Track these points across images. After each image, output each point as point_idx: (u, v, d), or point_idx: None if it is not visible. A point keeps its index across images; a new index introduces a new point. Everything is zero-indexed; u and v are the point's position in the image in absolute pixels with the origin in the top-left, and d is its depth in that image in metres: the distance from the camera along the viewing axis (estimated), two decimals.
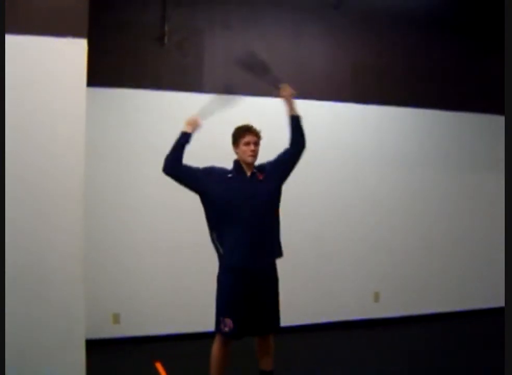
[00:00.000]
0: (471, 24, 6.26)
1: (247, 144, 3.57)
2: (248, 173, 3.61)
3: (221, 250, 3.55)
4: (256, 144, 3.60)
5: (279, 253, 3.66)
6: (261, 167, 3.68)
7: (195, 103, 5.28)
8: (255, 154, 3.59)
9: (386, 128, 6.11)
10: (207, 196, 3.55)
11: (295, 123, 3.69)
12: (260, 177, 3.61)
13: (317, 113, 5.81)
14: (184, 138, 3.57)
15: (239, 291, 3.49)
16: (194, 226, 5.21)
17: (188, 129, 3.59)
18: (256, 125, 3.68)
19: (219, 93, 3.79)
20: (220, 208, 3.51)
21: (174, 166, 3.53)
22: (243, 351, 3.95)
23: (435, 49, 6.28)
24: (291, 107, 3.68)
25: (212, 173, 3.59)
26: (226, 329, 3.48)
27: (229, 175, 3.59)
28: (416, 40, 6.20)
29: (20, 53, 3.40)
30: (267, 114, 5.23)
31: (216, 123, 5.23)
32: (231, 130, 3.72)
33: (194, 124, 3.62)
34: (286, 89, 3.66)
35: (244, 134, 3.59)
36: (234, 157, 3.71)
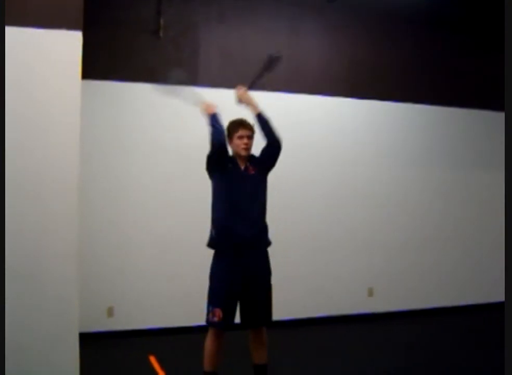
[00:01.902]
0: (468, 20, 6.27)
1: (241, 137, 3.62)
2: (242, 167, 3.67)
3: (213, 232, 3.59)
4: (250, 137, 3.65)
5: (268, 242, 3.71)
6: (253, 158, 3.73)
7: (190, 97, 5.38)
8: (248, 147, 3.65)
9: (381, 124, 6.12)
10: (222, 174, 3.61)
11: (260, 120, 3.72)
12: (252, 172, 3.67)
13: (312, 108, 5.82)
14: (216, 117, 3.63)
15: (230, 281, 3.51)
16: (187, 221, 5.26)
17: (211, 111, 3.65)
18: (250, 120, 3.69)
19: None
20: (224, 187, 3.60)
21: (223, 139, 3.59)
22: (238, 346, 3.96)
23: (432, 44, 6.30)
24: (251, 107, 3.74)
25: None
26: (215, 319, 3.50)
27: (229, 165, 3.65)
28: (413, 36, 6.22)
29: (14, 45, 3.38)
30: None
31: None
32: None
33: (211, 107, 3.68)
34: (239, 91, 3.77)
35: (238, 128, 3.63)
36: None
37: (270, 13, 5.70)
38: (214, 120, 3.63)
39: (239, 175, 3.64)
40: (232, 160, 3.68)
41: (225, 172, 3.62)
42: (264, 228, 3.69)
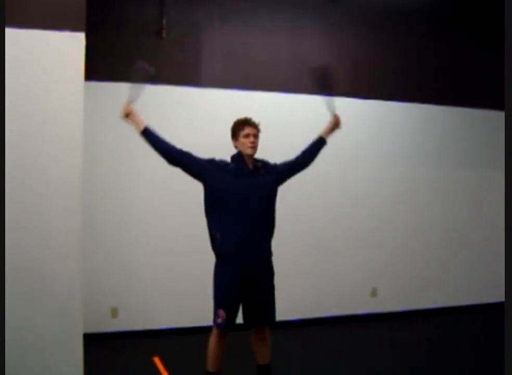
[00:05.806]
0: (468, 19, 6.26)
1: (247, 136, 3.55)
2: (251, 166, 3.60)
3: (218, 235, 3.54)
4: (256, 136, 3.59)
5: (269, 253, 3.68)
6: (266, 164, 3.69)
7: (193, 98, 5.39)
8: (254, 146, 3.57)
9: (383, 124, 6.11)
10: (208, 182, 3.56)
11: (320, 144, 3.85)
12: (262, 172, 3.62)
13: (314, 108, 5.80)
14: (147, 134, 3.55)
15: (232, 282, 3.51)
16: (190, 221, 5.23)
17: (139, 128, 3.54)
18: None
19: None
20: (219, 195, 3.52)
21: (170, 155, 3.56)
22: (242, 346, 3.95)
23: (433, 44, 6.28)
24: (328, 132, 3.89)
25: (213, 161, 3.60)
26: (219, 320, 3.50)
27: (231, 166, 3.58)
28: (415, 35, 6.20)
29: (16, 47, 3.39)
30: (263, 108, 5.24)
31: (211, 120, 5.34)
32: (226, 126, 3.71)
33: (131, 117, 3.54)
34: (338, 120, 3.96)
35: (243, 127, 3.57)
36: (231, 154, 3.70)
37: (272, 14, 5.70)
38: (150, 138, 3.56)
39: (244, 173, 3.57)
40: (238, 159, 3.61)
41: (216, 175, 3.53)
42: (269, 245, 3.65)
